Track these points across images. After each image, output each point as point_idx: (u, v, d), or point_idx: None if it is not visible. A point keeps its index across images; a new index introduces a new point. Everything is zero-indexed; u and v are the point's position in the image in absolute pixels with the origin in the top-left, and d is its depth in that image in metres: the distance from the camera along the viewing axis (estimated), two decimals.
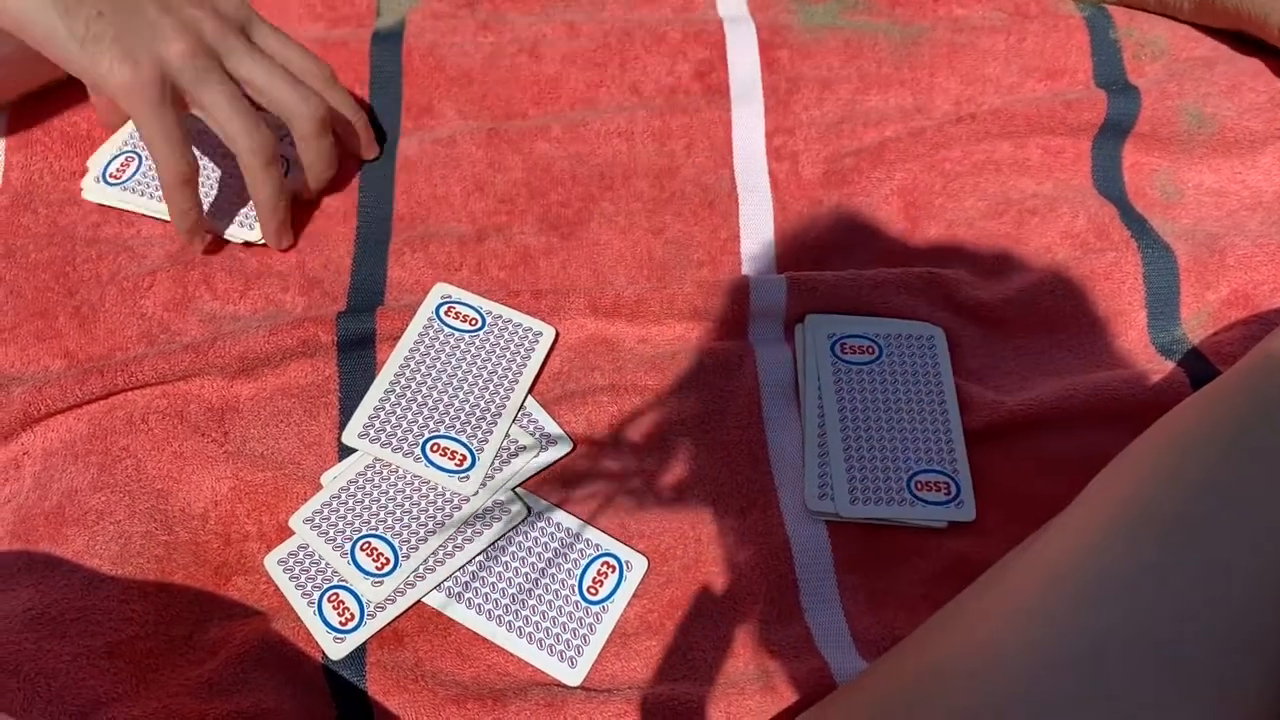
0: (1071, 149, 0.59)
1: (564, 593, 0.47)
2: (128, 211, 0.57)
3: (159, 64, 0.49)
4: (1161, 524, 0.35)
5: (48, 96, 0.59)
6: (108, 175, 0.56)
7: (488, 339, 0.53)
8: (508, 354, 0.53)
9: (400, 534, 0.48)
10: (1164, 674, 0.32)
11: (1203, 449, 0.36)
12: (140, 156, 0.57)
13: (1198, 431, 0.37)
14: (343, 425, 0.51)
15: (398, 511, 0.48)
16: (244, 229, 0.56)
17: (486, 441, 0.50)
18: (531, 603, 0.47)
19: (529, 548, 0.48)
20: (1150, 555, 0.34)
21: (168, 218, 0.54)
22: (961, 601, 0.40)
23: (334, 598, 0.47)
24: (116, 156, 0.57)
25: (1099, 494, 0.38)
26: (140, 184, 0.56)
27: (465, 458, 0.49)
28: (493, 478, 0.49)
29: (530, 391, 0.52)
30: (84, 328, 0.53)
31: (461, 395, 0.51)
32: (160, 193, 0.54)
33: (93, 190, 0.56)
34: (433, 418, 0.50)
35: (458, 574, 0.47)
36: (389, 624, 0.47)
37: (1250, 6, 0.60)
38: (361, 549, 0.47)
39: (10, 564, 0.47)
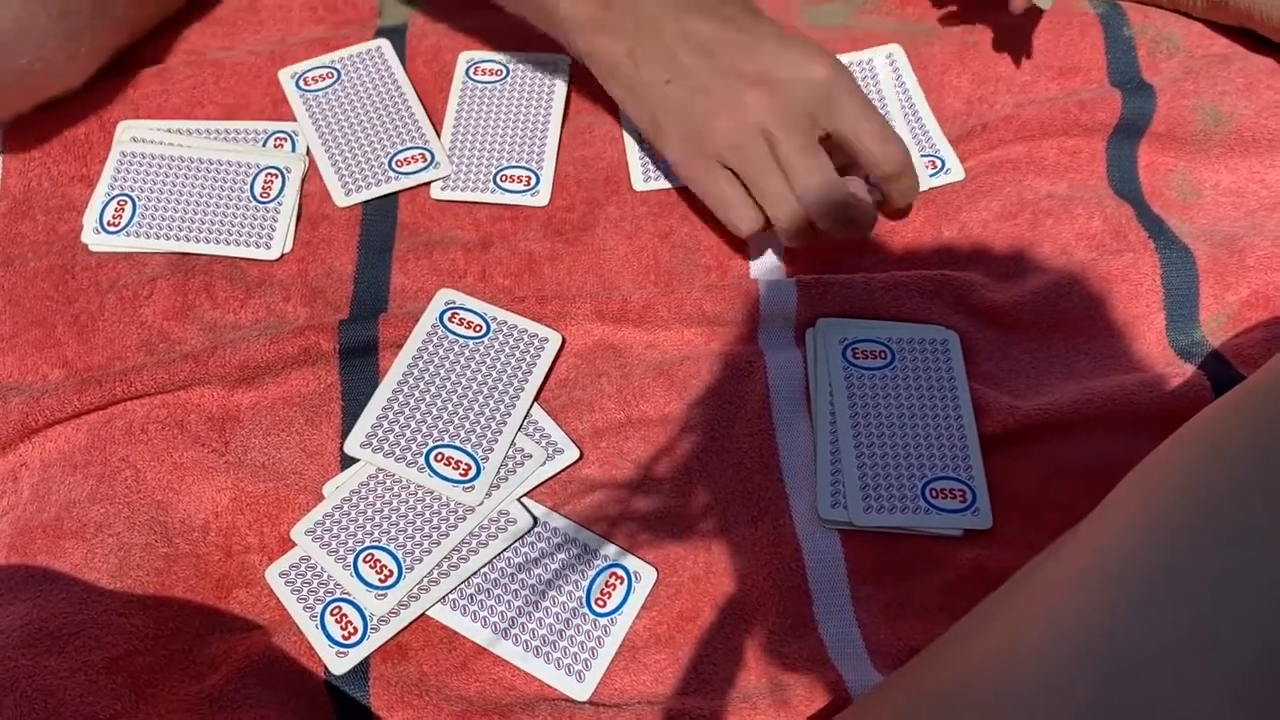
0: (1086, 149, 0.58)
1: (571, 605, 0.46)
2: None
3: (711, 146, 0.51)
4: (1194, 529, 0.34)
5: (53, 102, 0.58)
6: (105, 223, 0.55)
7: (492, 345, 0.52)
8: (513, 361, 0.52)
9: (404, 545, 0.47)
10: (1194, 683, 0.31)
11: (1235, 452, 0.35)
12: (132, 199, 0.56)
13: (1228, 434, 0.36)
14: (345, 434, 0.50)
15: (401, 522, 0.47)
16: (258, 248, 0.55)
17: (492, 450, 0.49)
18: (538, 615, 0.46)
19: (535, 559, 0.47)
20: (1181, 561, 0.33)
21: (179, 251, 0.55)
22: (983, 611, 0.39)
23: (336, 611, 0.46)
24: (108, 202, 0.56)
25: (1122, 501, 0.37)
26: (140, 227, 0.55)
27: (470, 467, 0.48)
28: (498, 487, 0.48)
29: (536, 399, 0.51)
30: (83, 337, 0.52)
31: (466, 403, 0.50)
32: (164, 232, 0.55)
33: (95, 241, 0.55)
34: (436, 426, 0.49)
35: (463, 586, 0.46)
36: (392, 638, 0.46)
37: (1263, 10, 0.59)
38: (364, 561, 0.46)
39: (7, 578, 0.46)
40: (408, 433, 0.49)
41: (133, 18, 0.59)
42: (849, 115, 0.50)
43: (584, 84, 0.62)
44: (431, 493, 0.48)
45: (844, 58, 0.62)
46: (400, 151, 0.58)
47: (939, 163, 0.58)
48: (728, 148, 0.51)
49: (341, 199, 0.57)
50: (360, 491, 0.48)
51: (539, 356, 0.52)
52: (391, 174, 0.58)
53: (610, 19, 0.51)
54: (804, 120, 0.50)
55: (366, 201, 0.57)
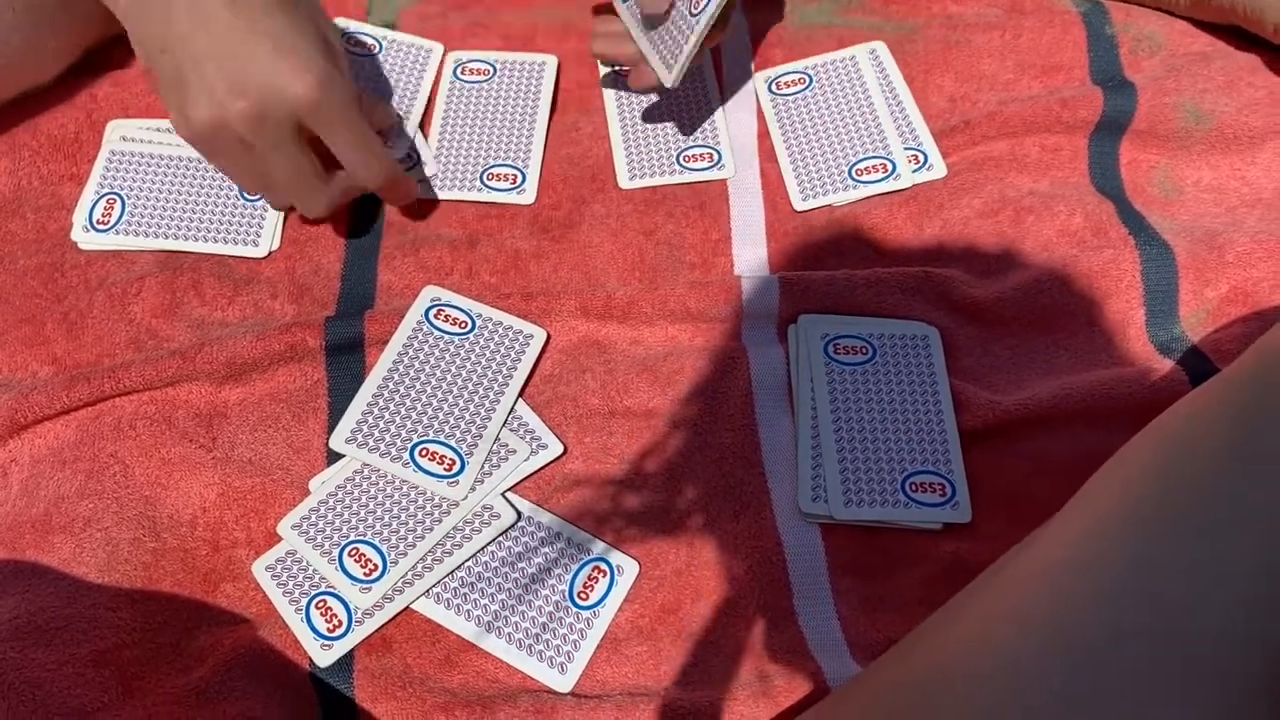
0: (1068, 146, 0.59)
1: (554, 598, 0.47)
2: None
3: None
4: (1161, 520, 0.34)
5: (34, 100, 0.59)
6: (95, 222, 0.56)
7: (478, 342, 0.52)
8: (498, 357, 0.52)
9: (388, 540, 0.47)
10: (1162, 670, 0.31)
11: (1203, 444, 0.36)
12: (121, 198, 0.56)
13: (1201, 427, 0.37)
14: (331, 430, 0.50)
15: (386, 517, 0.48)
16: (245, 246, 0.55)
17: (476, 446, 0.49)
18: (521, 608, 0.46)
19: (518, 553, 0.48)
20: (1153, 552, 0.33)
21: (168, 250, 0.55)
22: (959, 602, 0.39)
23: (322, 604, 0.46)
24: (97, 201, 0.56)
25: (1097, 492, 0.38)
26: (130, 225, 0.56)
27: (454, 462, 0.49)
28: (482, 482, 0.49)
29: (521, 394, 0.52)
30: (72, 334, 0.53)
31: (451, 399, 0.51)
32: (153, 230, 0.55)
33: (84, 239, 0.56)
34: (421, 422, 0.50)
35: (446, 580, 0.47)
36: (377, 630, 0.46)
37: (1246, 2, 0.59)
38: (349, 555, 0.47)
39: None
40: (393, 428, 0.50)
41: (102, 14, 0.60)
42: (331, 133, 0.49)
43: (570, 83, 0.63)
44: (416, 487, 0.49)
45: (828, 55, 0.62)
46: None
47: (921, 158, 0.58)
48: (206, 144, 0.49)
49: None
50: (346, 486, 0.49)
51: (524, 352, 0.52)
52: None
53: None
54: (284, 129, 0.48)
55: (353, 200, 0.58)
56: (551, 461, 0.50)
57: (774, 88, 0.62)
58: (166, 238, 0.56)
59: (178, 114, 0.48)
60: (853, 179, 0.58)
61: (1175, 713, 0.31)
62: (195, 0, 0.47)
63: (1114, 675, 0.31)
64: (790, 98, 0.61)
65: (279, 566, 0.48)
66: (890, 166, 0.58)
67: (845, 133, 0.59)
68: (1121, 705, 0.31)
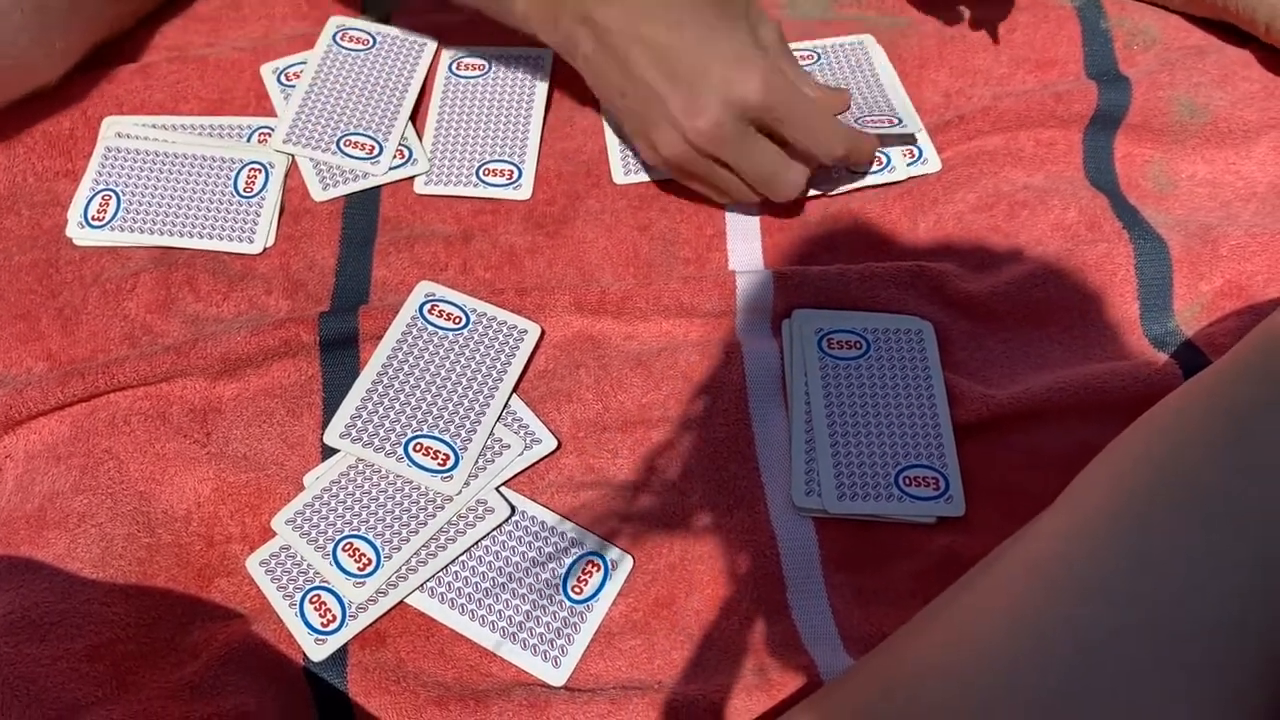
0: (1063, 140, 0.59)
1: (548, 592, 0.47)
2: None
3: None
4: (1154, 514, 0.34)
5: (30, 96, 0.59)
6: (90, 218, 0.56)
7: (472, 337, 0.52)
8: (492, 352, 0.52)
9: (382, 534, 0.47)
10: (1158, 664, 0.31)
11: (1196, 437, 0.36)
12: (116, 194, 0.56)
13: (1190, 420, 0.37)
14: (326, 425, 0.50)
15: (380, 512, 0.48)
16: (240, 243, 0.55)
17: (470, 440, 0.49)
18: (515, 602, 0.47)
19: (513, 547, 0.48)
20: (1142, 546, 0.33)
21: (163, 246, 0.55)
22: (949, 597, 0.39)
23: (315, 599, 0.46)
24: (93, 197, 0.56)
25: (1087, 486, 0.38)
26: (125, 221, 0.56)
27: (448, 457, 0.49)
28: (476, 477, 0.49)
29: (515, 390, 0.52)
30: (66, 329, 0.53)
31: (445, 394, 0.51)
32: (148, 226, 0.55)
33: (80, 235, 0.56)
34: (415, 417, 0.50)
35: (441, 574, 0.47)
36: (371, 625, 0.46)
37: (1238, 1, 0.59)
38: (343, 549, 0.47)
39: None
40: (387, 423, 0.50)
41: (109, 14, 0.60)
42: (783, 127, 0.51)
43: (565, 78, 0.63)
44: (410, 482, 0.49)
45: (822, 42, 0.62)
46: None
47: (916, 153, 0.58)
48: (679, 169, 0.53)
49: (319, 194, 0.57)
50: (340, 481, 0.49)
51: (518, 348, 0.52)
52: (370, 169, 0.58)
53: (563, 21, 0.51)
54: (744, 132, 0.51)
55: (349, 195, 0.58)
56: (545, 457, 0.50)
57: None
58: (161, 234, 0.56)
59: (647, 148, 0.53)
60: (847, 172, 0.58)
61: (1172, 707, 0.31)
62: (641, 45, 0.50)
63: (1109, 671, 0.31)
64: None
65: (273, 561, 0.48)
66: (885, 160, 0.58)
67: None
68: (1117, 701, 0.31)
